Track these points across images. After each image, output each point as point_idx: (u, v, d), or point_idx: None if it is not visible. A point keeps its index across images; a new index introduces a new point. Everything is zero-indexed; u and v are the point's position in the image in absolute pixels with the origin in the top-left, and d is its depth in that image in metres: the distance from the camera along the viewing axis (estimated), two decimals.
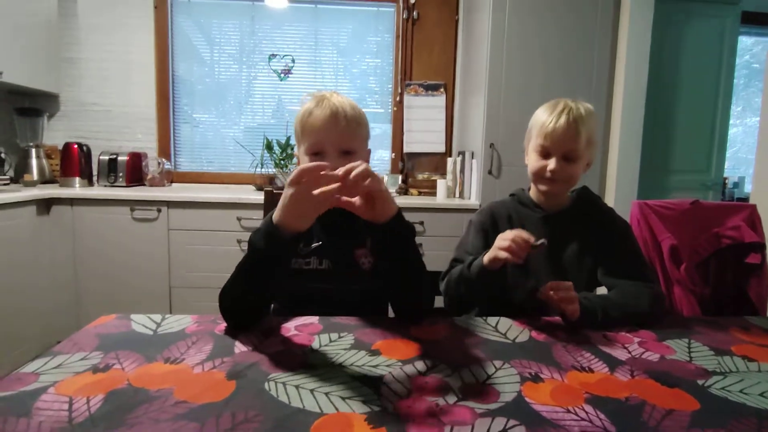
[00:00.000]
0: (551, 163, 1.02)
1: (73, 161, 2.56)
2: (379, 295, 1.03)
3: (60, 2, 2.62)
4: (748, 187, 3.99)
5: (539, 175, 1.05)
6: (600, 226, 1.08)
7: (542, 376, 0.67)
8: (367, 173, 0.73)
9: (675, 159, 2.65)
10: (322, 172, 0.72)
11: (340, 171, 0.73)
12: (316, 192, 0.71)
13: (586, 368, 0.70)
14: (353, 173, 0.72)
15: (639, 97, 2.35)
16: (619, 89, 2.35)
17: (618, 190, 2.36)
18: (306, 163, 0.73)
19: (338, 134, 0.91)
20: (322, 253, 0.98)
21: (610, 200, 2.37)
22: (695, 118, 2.64)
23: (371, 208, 0.78)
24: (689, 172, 2.68)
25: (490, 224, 1.12)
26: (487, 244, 0.98)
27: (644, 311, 0.93)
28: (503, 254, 0.87)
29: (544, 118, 1.03)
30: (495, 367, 0.69)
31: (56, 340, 2.27)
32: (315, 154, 0.92)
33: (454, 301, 1.02)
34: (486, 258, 0.92)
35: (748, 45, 3.75)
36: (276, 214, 0.75)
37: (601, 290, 1.06)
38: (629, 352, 0.77)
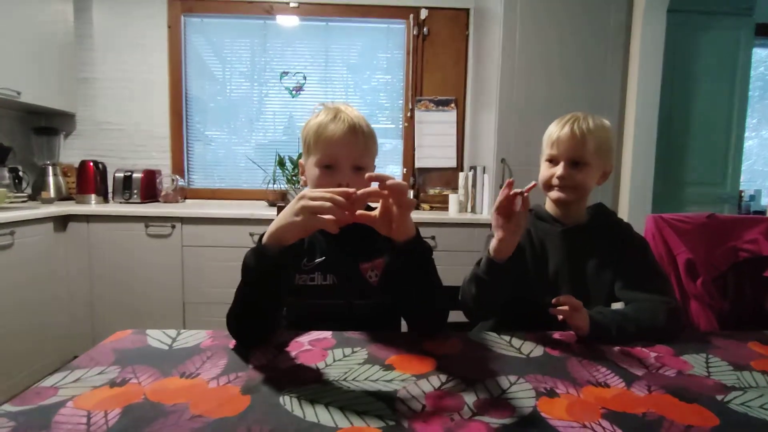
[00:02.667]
0: (558, 169, 1.04)
1: (89, 179, 2.62)
2: (388, 309, 1.03)
3: (76, 24, 2.72)
4: (764, 200, 3.92)
5: (548, 183, 1.07)
6: (617, 241, 1.07)
7: (557, 391, 0.66)
8: (407, 189, 0.76)
9: (690, 172, 2.62)
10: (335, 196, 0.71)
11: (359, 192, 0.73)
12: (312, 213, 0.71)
13: (602, 383, 0.69)
14: (390, 183, 0.73)
15: (652, 110, 2.34)
16: (631, 102, 2.35)
17: (632, 203, 2.34)
18: (320, 189, 0.73)
19: (354, 150, 0.92)
20: (327, 268, 0.98)
21: (623, 213, 2.35)
22: (710, 131, 2.62)
23: (389, 225, 0.78)
24: (704, 185, 2.65)
25: None
26: None
27: (661, 326, 0.91)
28: (496, 230, 0.89)
29: (551, 129, 1.07)
30: (510, 382, 0.69)
31: (73, 354, 2.30)
32: (327, 167, 0.92)
33: (469, 306, 1.00)
34: (491, 248, 0.92)
35: (762, 57, 3.72)
36: (267, 233, 0.77)
37: (619, 305, 1.04)
38: (646, 367, 0.76)
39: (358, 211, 0.76)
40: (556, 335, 0.90)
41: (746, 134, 2.72)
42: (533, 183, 0.88)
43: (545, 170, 1.08)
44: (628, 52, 2.37)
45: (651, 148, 2.35)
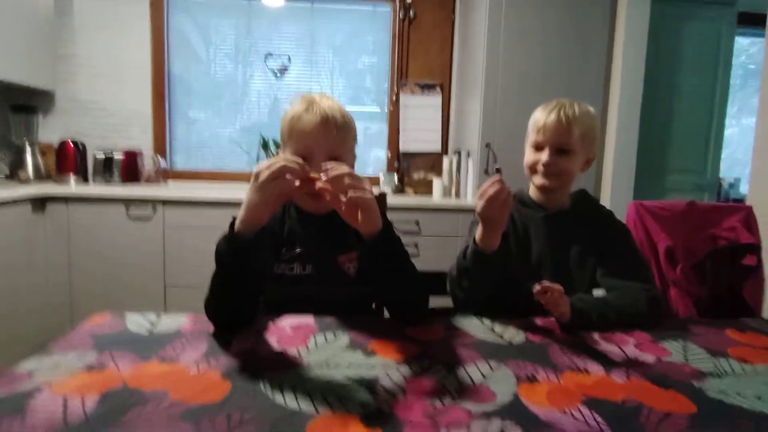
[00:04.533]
0: (543, 156, 1.04)
1: (69, 159, 2.54)
2: (365, 300, 1.05)
3: (56, 0, 2.60)
4: (743, 188, 4.01)
5: (533, 169, 1.07)
6: (600, 228, 1.08)
7: (538, 377, 0.67)
8: (348, 175, 0.75)
9: (671, 160, 2.66)
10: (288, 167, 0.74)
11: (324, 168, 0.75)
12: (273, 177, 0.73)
13: (582, 369, 0.70)
14: (332, 172, 0.75)
15: (635, 97, 2.36)
16: (615, 89, 2.36)
17: (614, 190, 2.37)
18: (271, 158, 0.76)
19: (327, 141, 0.92)
20: (306, 258, 0.98)
21: (606, 201, 2.38)
22: (691, 119, 2.65)
23: (356, 217, 0.78)
24: (685, 173, 2.69)
25: None
26: None
27: (641, 313, 0.93)
28: (486, 208, 0.85)
29: (538, 116, 1.07)
30: (491, 367, 0.69)
31: (49, 339, 2.25)
32: (302, 159, 0.91)
33: (460, 299, 1.00)
34: (477, 238, 0.92)
35: (744, 45, 3.77)
36: (238, 220, 0.77)
37: (600, 291, 1.06)
38: (625, 354, 0.77)
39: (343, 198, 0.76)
40: (538, 321, 0.91)
41: (727, 122, 2.76)
42: (497, 166, 0.86)
43: (530, 155, 1.08)
44: (612, 39, 2.37)
45: (633, 135, 2.37)
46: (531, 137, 1.08)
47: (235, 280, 0.79)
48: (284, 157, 0.76)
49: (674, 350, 0.79)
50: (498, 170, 0.87)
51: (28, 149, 2.57)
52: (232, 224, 0.77)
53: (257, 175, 0.74)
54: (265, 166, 0.74)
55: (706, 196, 2.71)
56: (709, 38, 2.61)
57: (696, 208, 1.46)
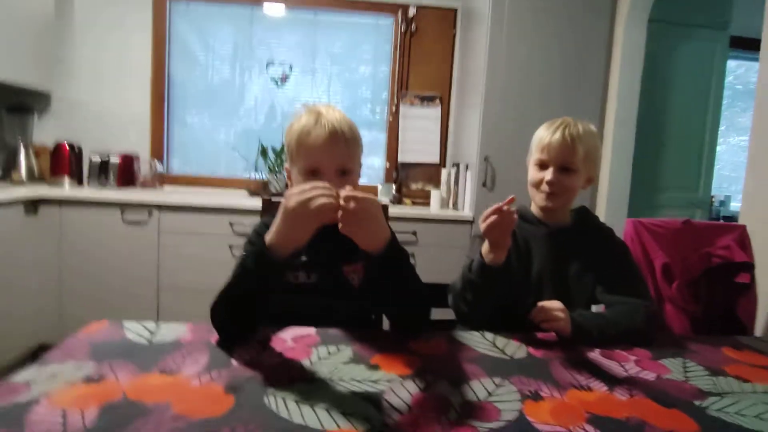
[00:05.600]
0: (548, 174, 1.05)
1: (63, 161, 2.52)
2: (369, 310, 1.05)
3: (56, 1, 2.59)
4: (733, 205, 4.08)
5: (537, 187, 1.08)
6: (600, 244, 1.09)
7: (542, 394, 0.67)
8: (358, 199, 0.74)
9: (665, 177, 2.70)
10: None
11: (342, 194, 0.74)
12: (314, 206, 0.72)
13: (585, 386, 0.70)
14: (345, 196, 0.74)
15: (631, 116, 2.39)
16: (611, 107, 2.40)
17: (609, 207, 2.39)
18: (302, 185, 0.75)
19: (337, 155, 0.91)
20: (311, 267, 0.97)
21: (601, 216, 2.40)
22: (685, 138, 2.70)
23: (359, 231, 0.77)
24: (678, 190, 2.73)
25: None
26: None
27: (639, 328, 0.94)
28: (487, 233, 0.87)
29: (542, 134, 1.08)
30: (495, 384, 0.69)
31: (39, 343, 2.22)
32: (312, 173, 0.91)
33: (464, 312, 1.00)
34: (483, 252, 0.93)
35: (731, 67, 3.87)
36: (270, 237, 0.76)
37: (599, 307, 1.07)
38: (626, 371, 0.77)
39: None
40: (539, 336, 0.91)
41: None
42: (512, 197, 0.87)
43: (534, 174, 1.09)
44: (609, 58, 2.42)
45: (629, 153, 2.41)
46: (534, 155, 1.09)
47: (254, 293, 0.80)
48: (313, 185, 0.74)
49: (674, 368, 0.80)
50: (512, 200, 0.87)
51: (22, 150, 2.54)
52: (259, 232, 0.78)
53: (288, 202, 0.74)
54: (297, 192, 0.73)
55: (698, 212, 2.75)
56: (703, 61, 2.67)
57: (692, 226, 1.48)
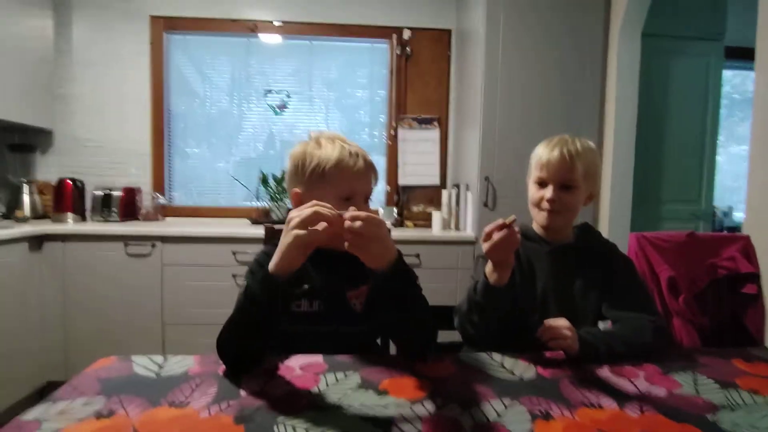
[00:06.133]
0: (548, 192, 1.05)
1: (66, 197, 2.54)
2: (373, 335, 1.06)
3: (55, 39, 2.67)
4: (736, 216, 4.07)
5: (537, 205, 1.08)
6: (604, 261, 1.09)
7: (552, 413, 0.66)
8: (364, 218, 0.75)
9: (666, 190, 2.70)
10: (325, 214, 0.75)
11: (346, 216, 0.75)
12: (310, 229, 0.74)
13: (596, 405, 0.70)
14: (351, 216, 0.74)
15: (629, 130, 2.40)
16: (610, 122, 2.42)
17: (612, 221, 2.39)
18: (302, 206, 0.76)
19: (369, 183, 0.99)
20: (314, 295, 0.98)
21: (604, 232, 2.40)
22: (684, 150, 2.71)
23: (366, 250, 0.77)
24: (680, 202, 2.73)
25: None
26: None
27: (647, 343, 0.93)
28: (490, 253, 0.88)
29: (540, 152, 1.08)
30: (504, 405, 0.69)
31: (46, 380, 2.21)
32: (347, 199, 0.95)
33: (471, 334, 1.00)
34: (486, 272, 0.93)
35: (728, 77, 3.93)
36: (273, 264, 0.77)
37: (606, 324, 1.06)
38: (636, 387, 0.77)
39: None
40: (548, 355, 0.91)
41: None
42: (513, 217, 0.87)
43: (534, 192, 1.09)
44: (605, 73, 2.45)
45: (629, 168, 2.42)
46: (534, 173, 1.09)
47: (261, 321, 0.80)
48: (315, 203, 0.76)
49: (684, 382, 0.79)
50: (514, 220, 0.87)
51: (26, 188, 2.58)
52: (259, 261, 0.80)
53: (289, 222, 0.76)
54: (296, 212, 0.76)
55: (701, 224, 2.75)
56: (698, 72, 2.70)
57: (696, 238, 1.48)
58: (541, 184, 1.08)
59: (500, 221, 0.87)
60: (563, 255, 1.09)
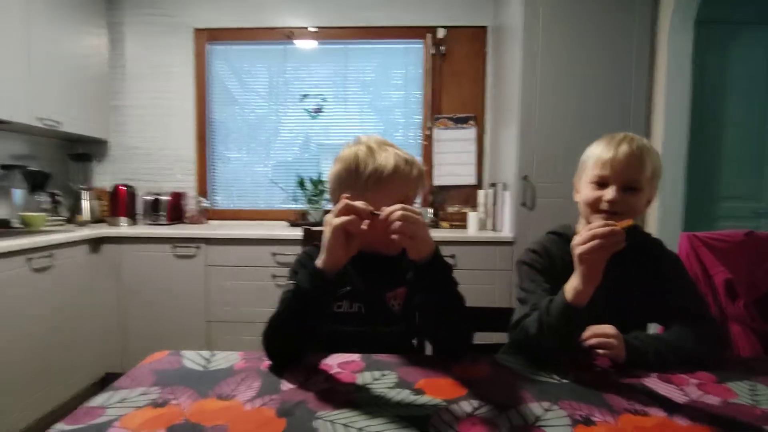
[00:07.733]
0: (609, 193, 0.95)
1: (121, 202, 2.72)
2: (408, 337, 1.09)
3: (110, 55, 2.87)
4: None
5: (595, 207, 0.98)
6: (652, 262, 1.04)
7: (594, 419, 0.65)
8: (403, 217, 0.78)
9: (722, 186, 2.55)
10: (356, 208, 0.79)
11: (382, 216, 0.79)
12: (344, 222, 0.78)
13: (641, 412, 0.67)
14: (392, 214, 0.78)
15: (682, 125, 2.25)
16: (659, 118, 2.27)
17: (662, 220, 2.26)
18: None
19: (420, 190, 1.03)
20: (355, 296, 1.01)
21: (654, 231, 2.29)
22: (743, 144, 2.55)
23: (410, 239, 0.80)
24: (738, 199, 2.56)
25: (548, 264, 1.05)
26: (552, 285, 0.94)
27: (701, 349, 0.88)
28: (585, 259, 0.78)
29: (601, 149, 0.99)
30: (543, 408, 0.68)
31: (104, 371, 2.36)
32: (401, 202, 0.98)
33: (540, 357, 0.88)
34: (567, 291, 0.83)
35: None
36: (320, 260, 0.81)
37: (656, 327, 1.01)
38: (686, 395, 0.73)
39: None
40: (593, 362, 0.88)
41: None
42: (630, 221, 0.79)
43: (590, 192, 0.99)
44: (653, 66, 2.32)
45: (681, 163, 2.28)
46: (592, 172, 0.99)
47: (309, 316, 0.83)
48: (344, 196, 0.81)
49: (741, 392, 0.75)
50: (630, 225, 0.79)
51: (85, 194, 2.77)
52: (301, 261, 0.85)
53: (326, 222, 0.81)
54: (338, 207, 0.80)
55: (763, 223, 2.57)
56: (758, 60, 2.53)
57: (755, 238, 1.38)
58: (601, 184, 0.98)
59: (611, 223, 0.78)
60: (612, 258, 1.04)
